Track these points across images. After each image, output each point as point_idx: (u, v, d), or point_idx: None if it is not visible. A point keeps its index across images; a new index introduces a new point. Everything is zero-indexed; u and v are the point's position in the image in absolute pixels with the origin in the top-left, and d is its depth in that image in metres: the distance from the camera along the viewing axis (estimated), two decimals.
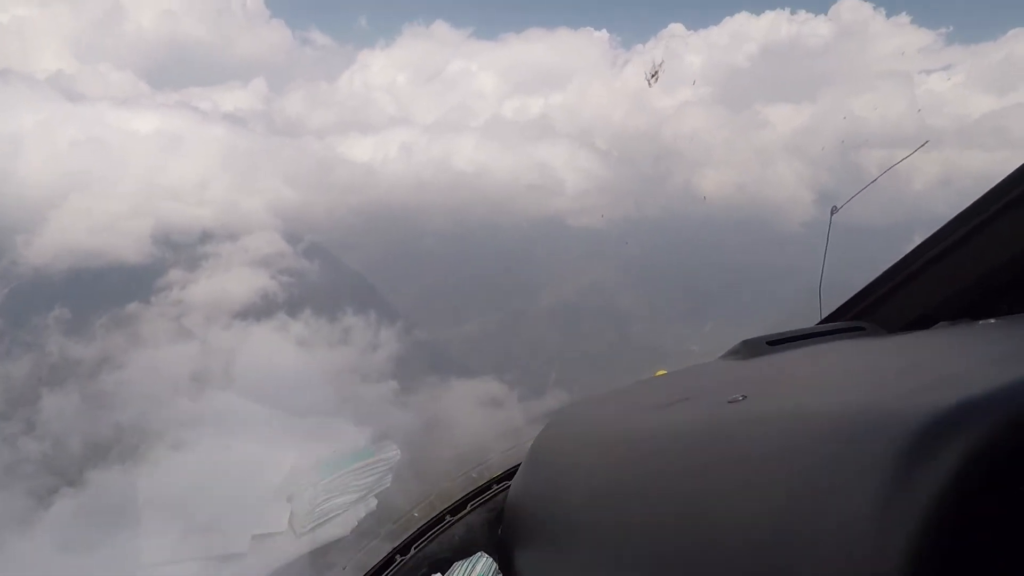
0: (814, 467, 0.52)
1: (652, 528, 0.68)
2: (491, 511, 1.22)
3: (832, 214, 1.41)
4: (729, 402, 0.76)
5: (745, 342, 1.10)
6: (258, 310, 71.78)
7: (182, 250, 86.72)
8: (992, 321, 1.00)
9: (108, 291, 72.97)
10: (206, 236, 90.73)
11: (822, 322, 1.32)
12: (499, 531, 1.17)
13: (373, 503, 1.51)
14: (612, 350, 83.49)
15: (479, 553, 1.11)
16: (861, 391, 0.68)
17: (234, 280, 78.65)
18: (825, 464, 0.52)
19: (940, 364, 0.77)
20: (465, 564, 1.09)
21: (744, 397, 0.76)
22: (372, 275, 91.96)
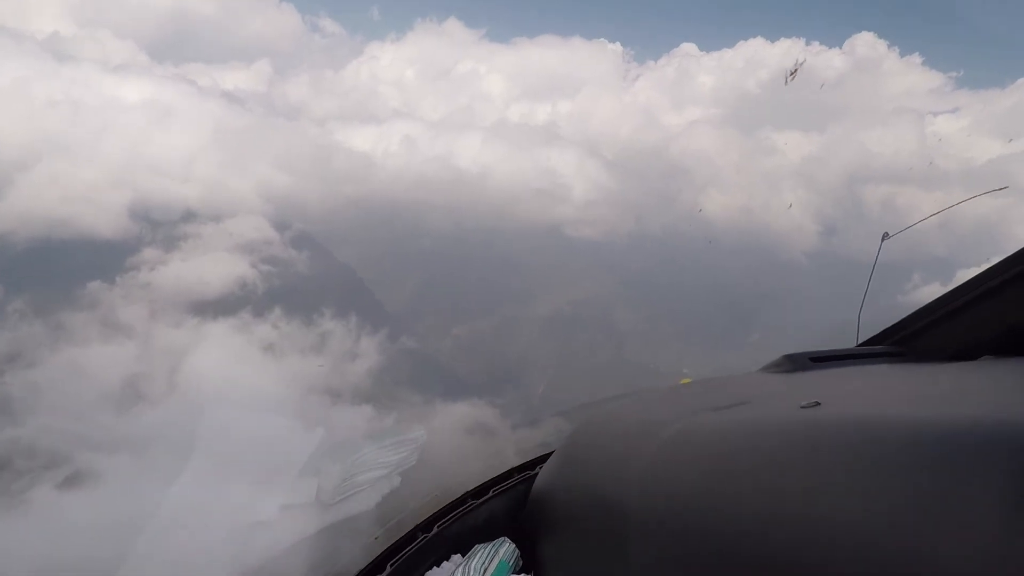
0: (927, 475, 0.52)
1: (733, 527, 0.67)
2: (512, 499, 1.25)
3: (883, 240, 1.41)
4: (802, 407, 0.75)
5: (788, 356, 1.12)
6: (226, 304, 64.13)
7: (161, 228, 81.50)
8: None
9: (72, 266, 66.89)
10: (189, 215, 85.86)
11: (860, 346, 1.35)
12: (521, 518, 1.19)
13: (397, 480, 1.54)
14: (606, 365, 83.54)
15: (502, 538, 1.14)
16: (952, 407, 0.66)
17: (211, 265, 71.91)
18: (940, 473, 0.51)
19: (1017, 390, 0.76)
20: (488, 547, 1.12)
21: (818, 403, 0.75)
22: (363, 270, 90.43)
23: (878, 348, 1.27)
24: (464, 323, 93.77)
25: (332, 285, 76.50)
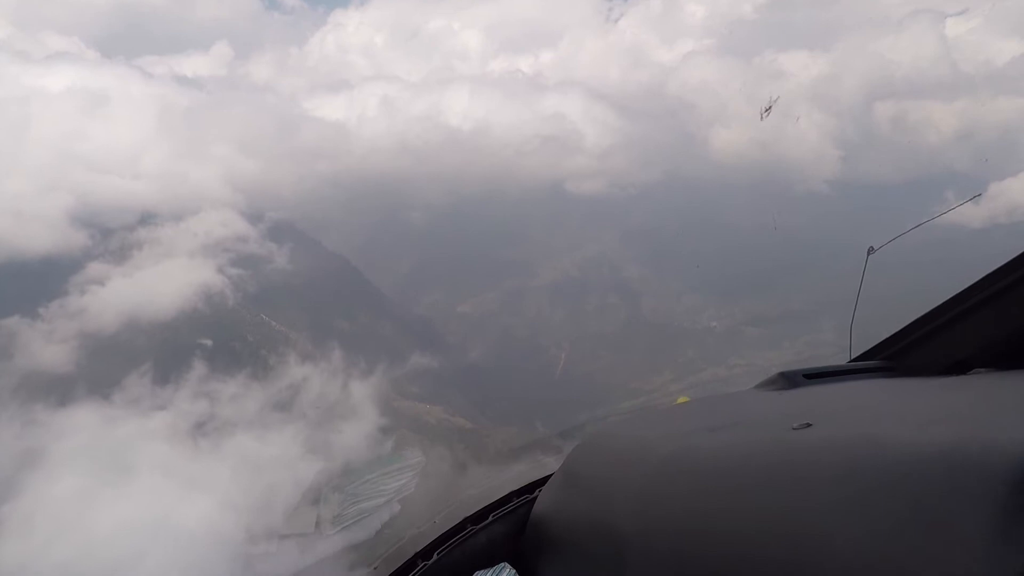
0: (915, 496, 0.54)
1: (725, 550, 0.70)
2: (512, 523, 1.29)
3: (868, 255, 1.42)
4: (794, 428, 0.79)
5: (782, 374, 1.18)
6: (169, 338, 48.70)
7: (114, 235, 68.88)
8: None
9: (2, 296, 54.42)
10: (146, 216, 73.38)
11: (853, 361, 1.39)
12: (521, 543, 1.24)
13: (397, 507, 1.56)
14: (624, 329, 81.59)
15: (503, 564, 1.17)
16: (942, 426, 0.69)
17: (166, 276, 58.45)
18: (928, 494, 0.53)
19: (1008, 405, 0.80)
20: (488, 574, 1.15)
21: (809, 424, 0.79)
22: (353, 255, 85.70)
23: (870, 363, 1.31)
24: (470, 298, 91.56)
25: (322, 278, 71.26)
